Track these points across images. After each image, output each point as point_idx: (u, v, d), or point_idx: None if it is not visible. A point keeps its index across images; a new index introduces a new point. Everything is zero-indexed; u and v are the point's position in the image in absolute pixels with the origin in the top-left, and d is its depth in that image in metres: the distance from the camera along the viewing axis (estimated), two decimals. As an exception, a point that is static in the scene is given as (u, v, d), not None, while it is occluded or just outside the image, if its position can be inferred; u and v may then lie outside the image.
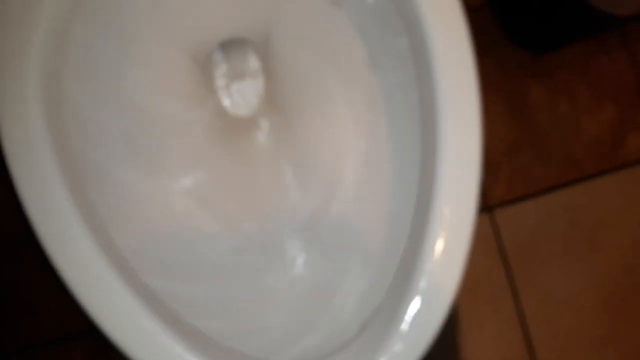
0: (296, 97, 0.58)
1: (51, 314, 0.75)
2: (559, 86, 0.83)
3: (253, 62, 0.60)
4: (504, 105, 0.82)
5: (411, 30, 0.47)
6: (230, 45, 0.59)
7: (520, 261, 0.80)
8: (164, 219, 0.52)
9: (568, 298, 0.81)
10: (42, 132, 0.42)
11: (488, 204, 0.81)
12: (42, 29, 0.43)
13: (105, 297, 0.41)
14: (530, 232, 0.81)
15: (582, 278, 0.81)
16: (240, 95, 0.60)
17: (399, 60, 0.50)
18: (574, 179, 0.82)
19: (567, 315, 0.81)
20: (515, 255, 0.81)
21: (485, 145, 0.78)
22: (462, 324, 0.80)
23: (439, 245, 0.42)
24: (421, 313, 0.41)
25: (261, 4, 0.56)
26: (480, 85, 0.46)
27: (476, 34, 0.81)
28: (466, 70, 0.45)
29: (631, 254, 0.82)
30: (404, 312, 0.41)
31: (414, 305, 0.41)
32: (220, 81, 0.60)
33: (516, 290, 0.80)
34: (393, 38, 0.50)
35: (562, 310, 0.81)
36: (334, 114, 0.55)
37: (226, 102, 0.60)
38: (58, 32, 0.45)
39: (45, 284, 0.74)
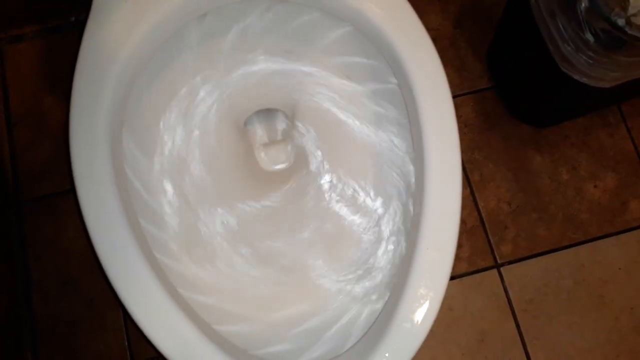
0: (313, 157, 0.72)
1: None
2: (561, 157, 0.92)
3: (282, 126, 0.74)
4: (508, 173, 0.91)
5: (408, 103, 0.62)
6: (264, 113, 0.74)
7: (528, 317, 0.85)
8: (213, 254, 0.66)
9: (576, 353, 0.84)
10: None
11: (497, 262, 0.88)
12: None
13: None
14: (537, 289, 0.86)
15: (590, 334, 0.84)
16: (273, 154, 0.74)
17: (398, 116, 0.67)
18: (578, 241, 0.88)
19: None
20: (523, 311, 0.86)
21: (492, 208, 0.87)
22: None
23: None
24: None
25: (290, 84, 0.71)
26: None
27: (484, 112, 0.94)
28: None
29: (638, 312, 0.85)
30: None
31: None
32: (256, 142, 0.74)
33: (525, 344, 0.84)
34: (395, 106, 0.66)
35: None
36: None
37: (261, 159, 0.74)
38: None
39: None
